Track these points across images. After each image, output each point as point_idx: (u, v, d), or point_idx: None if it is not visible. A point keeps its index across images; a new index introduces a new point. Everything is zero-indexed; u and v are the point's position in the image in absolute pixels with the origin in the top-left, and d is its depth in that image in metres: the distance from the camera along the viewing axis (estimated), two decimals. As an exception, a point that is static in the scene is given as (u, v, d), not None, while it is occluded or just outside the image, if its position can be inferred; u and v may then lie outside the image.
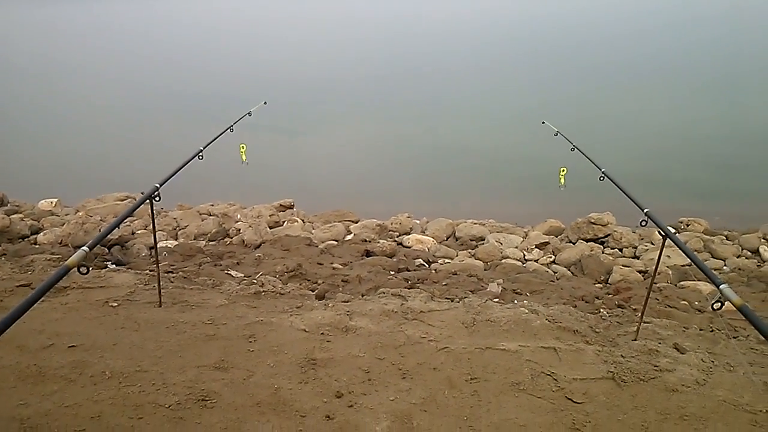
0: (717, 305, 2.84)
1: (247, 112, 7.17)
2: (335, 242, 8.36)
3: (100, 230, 7.77)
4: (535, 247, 8.60)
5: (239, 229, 8.56)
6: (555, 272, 7.72)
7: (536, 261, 8.19)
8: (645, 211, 4.08)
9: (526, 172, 13.56)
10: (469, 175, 14.21)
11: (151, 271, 5.69)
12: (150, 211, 4.52)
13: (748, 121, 16.64)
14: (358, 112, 19.87)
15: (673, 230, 9.44)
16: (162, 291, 4.75)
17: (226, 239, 8.58)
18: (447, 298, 5.28)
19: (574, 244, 8.93)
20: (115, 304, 4.66)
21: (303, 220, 9.51)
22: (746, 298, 6.42)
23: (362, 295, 5.40)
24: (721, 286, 2.82)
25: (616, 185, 4.72)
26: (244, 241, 8.13)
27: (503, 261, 7.91)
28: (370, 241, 8.35)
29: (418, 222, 9.84)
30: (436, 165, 14.92)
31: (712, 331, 4.63)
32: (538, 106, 18.46)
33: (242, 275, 6.39)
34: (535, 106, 18.76)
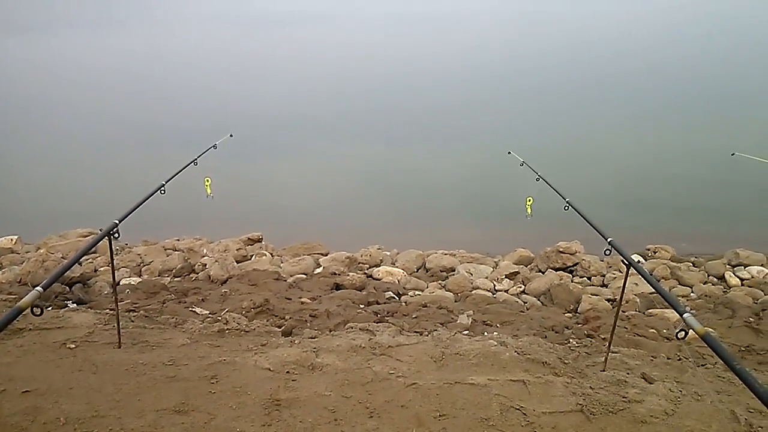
0: (681, 334, 2.84)
1: (212, 144, 7.10)
2: (304, 276, 8.26)
3: (60, 268, 7.54)
4: (506, 277, 8.61)
5: (205, 265, 8.41)
6: (525, 302, 7.72)
7: (506, 291, 8.19)
8: (609, 240, 4.09)
9: (497, 201, 13.67)
10: (440, 204, 14.26)
11: (111, 310, 5.51)
12: (109, 247, 4.39)
13: (713, 146, 17.11)
14: (329, 145, 19.88)
15: (639, 258, 9.61)
16: (122, 331, 4.59)
17: (191, 275, 8.41)
18: (416, 332, 5.22)
19: (543, 273, 8.97)
20: (73, 346, 4.49)
21: (271, 254, 9.39)
22: (713, 325, 6.53)
23: (330, 331, 5.30)
24: (684, 315, 2.82)
25: (580, 214, 4.74)
26: (210, 277, 7.98)
27: (473, 292, 7.89)
28: (339, 274, 8.27)
29: (388, 254, 9.80)
30: (407, 195, 14.95)
31: (679, 359, 4.64)
32: (507, 136, 18.75)
33: (207, 312, 6.25)
34: (503, 136, 19.06)
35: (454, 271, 8.89)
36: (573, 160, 17.18)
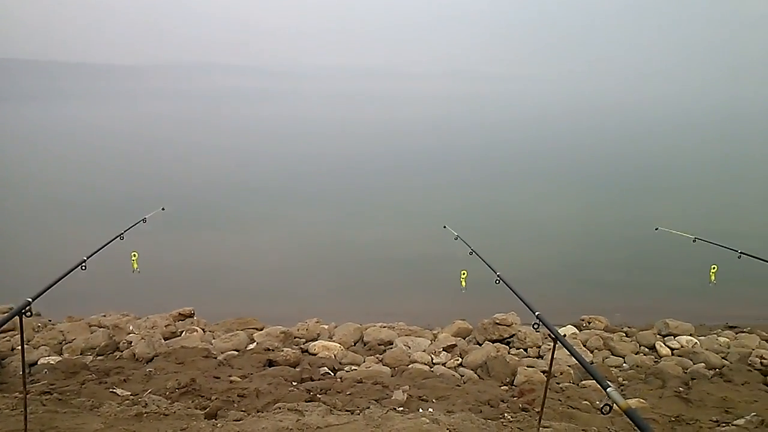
0: (606, 409, 2.84)
1: (141, 218, 6.94)
2: (236, 352, 7.95)
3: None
4: (443, 350, 8.53)
5: (131, 342, 8.00)
6: (462, 375, 7.64)
7: (444, 364, 8.09)
8: (536, 314, 4.12)
9: (436, 274, 13.75)
10: (381, 276, 14.24)
11: (21, 393, 5.12)
12: (20, 327, 4.11)
13: (639, 220, 17.91)
14: (267, 215, 19.80)
15: (574, 329, 9.74)
16: (31, 416, 4.25)
17: (116, 353, 7.97)
18: (348, 410, 5.05)
19: (481, 345, 8.94)
20: (-29, 436, 4.12)
21: (203, 329, 9.04)
22: (644, 396, 6.60)
23: (258, 411, 5.07)
24: (608, 390, 2.82)
25: (510, 288, 4.80)
26: (135, 355, 7.58)
27: (410, 366, 7.76)
28: (273, 350, 8.01)
29: (326, 327, 9.60)
30: (348, 267, 14.89)
31: (609, 432, 4.63)
32: (443, 210, 19.15)
33: (128, 393, 5.90)
34: (440, 209, 19.46)
35: (392, 344, 8.76)
36: (510, 233, 17.66)
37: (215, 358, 7.58)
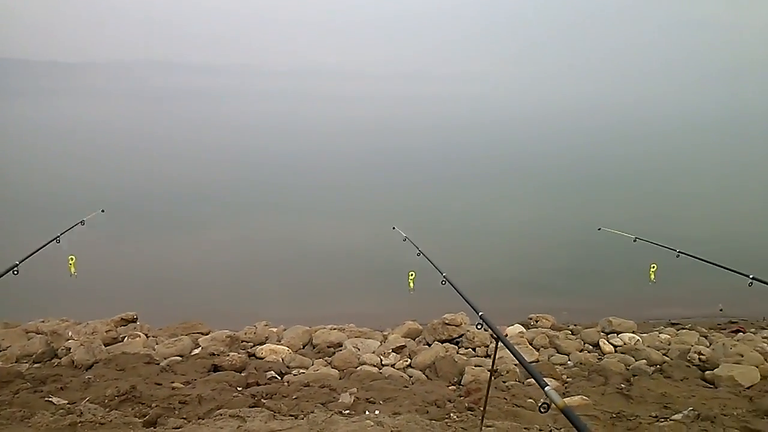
0: (544, 408, 2.88)
1: (80, 221, 6.72)
2: (179, 358, 7.75)
3: None
4: (393, 351, 8.53)
5: (69, 348, 7.71)
6: (411, 376, 7.64)
7: (393, 365, 8.09)
8: (480, 314, 4.16)
9: (387, 274, 13.77)
10: (332, 278, 14.16)
11: (-55, 406, 4.88)
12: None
13: (583, 220, 18.35)
14: (214, 218, 19.46)
15: (521, 327, 9.88)
16: (-46, 430, 4.04)
17: (54, 360, 7.67)
18: (291, 415, 4.98)
19: (430, 345, 8.97)
20: None
21: (146, 335, 8.78)
22: (587, 393, 6.72)
23: (199, 418, 4.95)
24: (545, 389, 2.86)
25: (455, 288, 4.85)
26: (74, 362, 7.30)
27: (359, 368, 7.72)
28: (218, 355, 7.85)
29: (274, 330, 9.47)
30: (298, 269, 14.76)
31: (551, 430, 4.69)
32: (394, 211, 19.23)
33: (65, 402, 5.67)
34: (391, 210, 19.53)
35: (341, 346, 8.71)
36: (461, 234, 17.84)
37: (157, 364, 7.38)
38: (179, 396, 5.83)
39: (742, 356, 8.04)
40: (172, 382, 6.46)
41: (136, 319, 9.42)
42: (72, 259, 6.07)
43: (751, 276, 5.29)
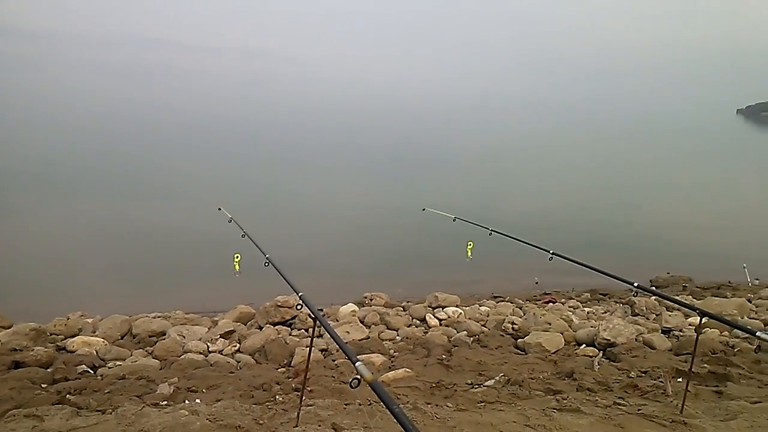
0: (354, 382, 2.90)
1: None
2: (-28, 356, 6.83)
3: None
4: (220, 337, 8.23)
5: None
6: (239, 361, 7.42)
7: (221, 352, 7.80)
8: (300, 294, 4.16)
9: (217, 257, 13.33)
10: (158, 263, 13.41)
11: None
12: None
13: (411, 202, 19.16)
14: (29, 203, 17.54)
15: (354, 306, 10.04)
16: None
17: None
18: (98, 410, 4.58)
19: (261, 329, 8.80)
20: None
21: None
22: (411, 365, 6.97)
23: (-12, 422, 4.37)
24: (356, 364, 2.88)
25: (277, 270, 4.80)
26: None
27: (182, 357, 7.34)
28: (21, 350, 7.03)
29: (90, 321, 8.72)
30: (122, 256, 13.77)
31: (370, 404, 4.79)
32: (220, 192, 18.71)
33: None
34: (217, 192, 18.97)
35: (164, 335, 8.23)
36: (289, 214, 17.79)
37: (-57, 364, 6.44)
38: (-34, 399, 5.12)
39: (550, 324, 8.87)
40: (-40, 385, 5.67)
41: None
42: None
43: (551, 251, 5.78)
